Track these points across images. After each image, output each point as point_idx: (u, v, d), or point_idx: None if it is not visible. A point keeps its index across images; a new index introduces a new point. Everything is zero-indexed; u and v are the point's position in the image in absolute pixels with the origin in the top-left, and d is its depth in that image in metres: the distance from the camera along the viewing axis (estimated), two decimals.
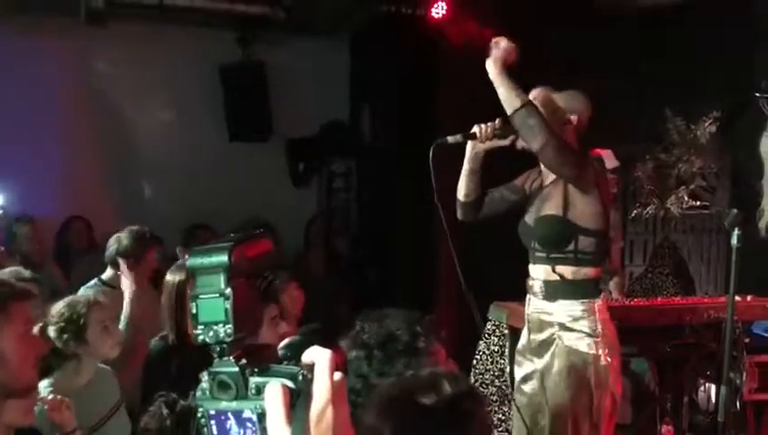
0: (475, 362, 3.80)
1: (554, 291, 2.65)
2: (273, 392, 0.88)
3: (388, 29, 5.55)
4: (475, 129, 2.66)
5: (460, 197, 2.83)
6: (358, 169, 6.38)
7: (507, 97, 2.49)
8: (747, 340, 3.73)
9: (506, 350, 3.63)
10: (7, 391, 1.57)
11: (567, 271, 2.63)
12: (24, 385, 1.66)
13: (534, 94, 2.65)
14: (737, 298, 3.37)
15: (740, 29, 5.14)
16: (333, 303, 4.81)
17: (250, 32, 5.82)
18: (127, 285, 3.25)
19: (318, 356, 0.88)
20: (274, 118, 5.99)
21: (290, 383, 0.89)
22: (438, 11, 5.32)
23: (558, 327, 2.63)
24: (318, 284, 5.14)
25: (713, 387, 3.88)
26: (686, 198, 5.21)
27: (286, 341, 1.05)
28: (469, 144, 2.74)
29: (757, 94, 4.30)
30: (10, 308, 1.63)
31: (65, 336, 2.49)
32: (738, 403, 3.66)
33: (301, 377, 0.89)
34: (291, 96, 5.95)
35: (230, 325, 0.92)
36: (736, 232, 2.56)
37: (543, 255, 2.67)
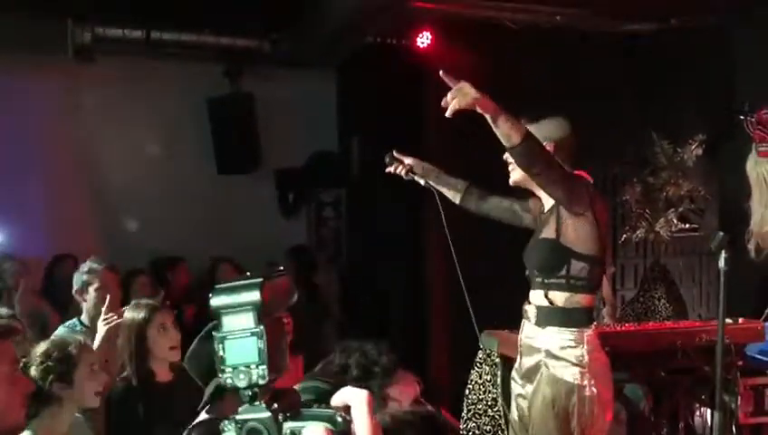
0: (467, 391, 3.76)
1: (545, 317, 2.64)
2: None
3: (374, 59, 5.59)
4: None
5: (453, 201, 2.95)
6: (347, 199, 6.39)
7: (506, 133, 2.43)
8: (741, 363, 3.71)
9: (498, 379, 3.59)
10: None
11: (559, 297, 2.62)
12: (10, 426, 1.62)
13: None
14: (729, 321, 3.37)
15: (720, 53, 5.21)
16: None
17: (237, 65, 5.85)
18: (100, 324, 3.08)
19: (354, 397, 0.87)
20: (263, 149, 6.00)
21: (330, 426, 0.86)
22: (423, 41, 5.37)
23: (545, 354, 2.62)
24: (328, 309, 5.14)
25: (708, 411, 3.84)
26: (675, 221, 5.22)
27: (300, 387, 1.01)
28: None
29: (741, 116, 4.34)
30: None
31: (51, 377, 2.38)
32: (734, 428, 3.62)
33: (339, 419, 0.86)
34: (279, 128, 5.97)
35: (264, 366, 0.87)
36: (723, 255, 2.55)
37: (540, 280, 2.67)
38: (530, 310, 2.70)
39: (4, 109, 5.31)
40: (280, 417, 0.86)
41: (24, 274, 4.47)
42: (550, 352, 2.60)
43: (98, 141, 5.80)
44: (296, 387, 0.93)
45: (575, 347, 2.57)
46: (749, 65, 5.01)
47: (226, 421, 0.88)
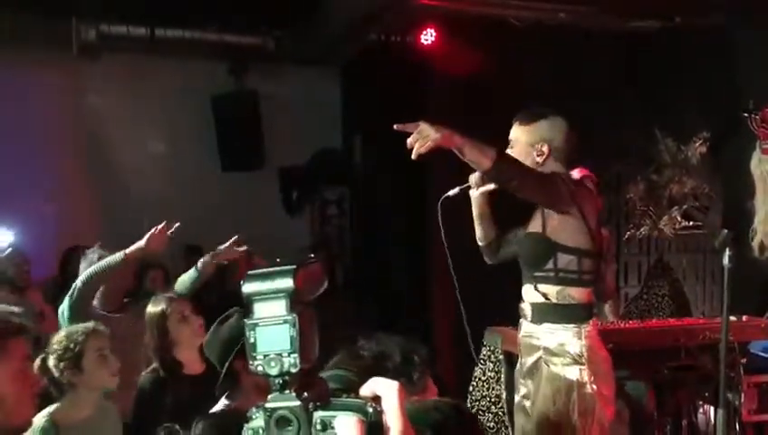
0: (471, 388, 3.77)
1: (541, 314, 2.64)
2: (348, 427, 0.82)
3: (378, 57, 5.60)
4: (470, 178, 2.76)
5: (478, 241, 2.90)
6: (351, 196, 6.39)
7: (475, 161, 2.45)
8: (744, 360, 3.71)
9: (502, 375, 3.60)
10: (2, 429, 1.54)
11: (550, 291, 2.62)
12: (20, 423, 1.64)
13: (511, 137, 2.73)
14: (733, 318, 3.37)
15: (723, 50, 5.20)
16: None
17: (242, 62, 5.86)
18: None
19: (385, 388, 0.84)
20: (267, 147, 6.01)
21: (362, 416, 0.83)
22: (427, 38, 5.37)
23: (544, 352, 2.61)
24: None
25: (711, 409, 3.84)
26: (678, 219, 5.22)
27: (325, 375, 1.00)
28: (470, 192, 2.82)
29: (745, 114, 4.33)
30: (8, 345, 1.61)
31: (62, 365, 2.46)
32: (738, 425, 3.62)
33: (370, 409, 0.84)
34: (283, 125, 5.98)
35: (296, 355, 0.84)
36: (727, 253, 2.55)
37: (529, 273, 2.68)
38: (525, 307, 2.70)
39: (8, 105, 5.33)
40: (310, 406, 0.85)
41: (21, 263, 4.47)
42: (548, 349, 2.60)
43: (102, 138, 5.82)
44: (322, 376, 0.94)
45: (574, 343, 2.57)
46: (752, 63, 5.00)
47: (254, 409, 0.86)
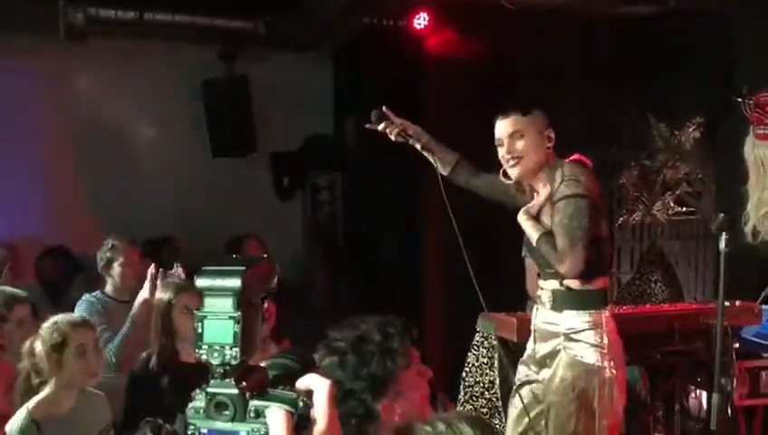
0: (464, 374, 3.76)
1: (562, 301, 2.64)
2: (277, 418, 0.90)
3: (370, 41, 5.55)
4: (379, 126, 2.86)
5: (442, 172, 2.87)
6: (342, 182, 6.36)
7: (532, 234, 2.65)
8: (737, 345, 3.72)
9: (495, 361, 3.60)
10: None
11: (575, 283, 2.62)
12: None
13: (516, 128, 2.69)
14: (726, 304, 3.37)
15: (717, 35, 5.18)
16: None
17: (232, 47, 5.80)
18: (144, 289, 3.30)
19: (317, 384, 0.93)
20: (258, 133, 5.96)
21: (291, 409, 0.92)
22: (420, 22, 5.32)
23: (563, 338, 2.61)
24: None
25: (704, 394, 3.86)
26: (672, 204, 5.22)
27: (269, 362, 1.06)
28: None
29: (738, 99, 4.31)
30: None
31: (44, 354, 2.40)
32: (729, 409, 3.64)
33: (301, 403, 0.93)
34: (274, 110, 5.92)
35: (237, 349, 0.93)
36: (724, 236, 2.54)
37: (552, 271, 2.64)
38: (544, 295, 2.69)
39: None
40: (247, 395, 0.93)
41: (10, 259, 4.48)
42: (569, 335, 2.60)
43: (90, 124, 5.74)
44: (265, 363, 1.07)
45: (593, 329, 2.58)
46: (747, 48, 4.98)
47: (198, 390, 0.95)
